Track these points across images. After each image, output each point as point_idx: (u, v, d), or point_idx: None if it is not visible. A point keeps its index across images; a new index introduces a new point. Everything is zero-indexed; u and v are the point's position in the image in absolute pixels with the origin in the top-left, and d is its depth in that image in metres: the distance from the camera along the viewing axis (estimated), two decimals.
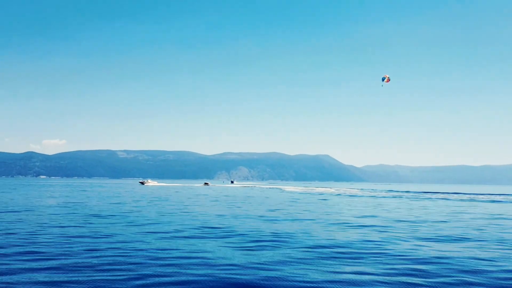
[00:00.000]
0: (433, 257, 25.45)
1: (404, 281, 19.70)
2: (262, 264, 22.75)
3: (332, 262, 23.47)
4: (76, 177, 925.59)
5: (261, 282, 19.19)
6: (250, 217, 48.21)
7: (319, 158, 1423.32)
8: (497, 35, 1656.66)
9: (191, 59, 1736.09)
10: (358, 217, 51.27)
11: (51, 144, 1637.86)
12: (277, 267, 21.96)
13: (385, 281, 19.66)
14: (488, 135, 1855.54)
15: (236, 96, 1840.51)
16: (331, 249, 27.57)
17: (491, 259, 25.19)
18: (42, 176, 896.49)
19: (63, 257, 23.79)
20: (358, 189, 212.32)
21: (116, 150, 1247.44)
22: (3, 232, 33.17)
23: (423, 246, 29.64)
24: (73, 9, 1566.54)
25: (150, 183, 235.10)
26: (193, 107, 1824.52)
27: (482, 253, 27.19)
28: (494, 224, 45.21)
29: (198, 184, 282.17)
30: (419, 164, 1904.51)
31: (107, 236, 31.95)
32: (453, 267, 22.77)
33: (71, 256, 24.27)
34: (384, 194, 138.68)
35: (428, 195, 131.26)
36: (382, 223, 44.00)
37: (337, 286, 18.69)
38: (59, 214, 49.09)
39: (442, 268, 22.37)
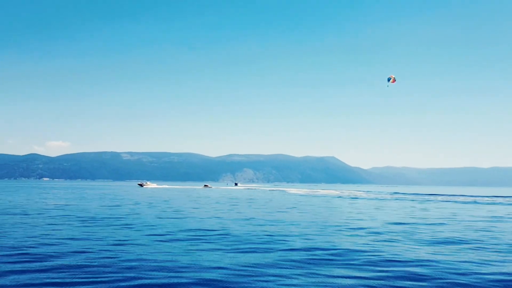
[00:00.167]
0: (417, 260, 25.55)
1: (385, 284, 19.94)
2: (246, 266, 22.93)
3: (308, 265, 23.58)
4: (79, 179, 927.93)
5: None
6: (239, 220, 48.37)
7: (325, 160, 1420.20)
8: (506, 34, 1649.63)
9: (195, 59, 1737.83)
10: (355, 219, 51.31)
11: (55, 146, 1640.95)
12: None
13: (368, 284, 19.83)
14: (497, 136, 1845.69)
15: (241, 97, 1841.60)
16: (307, 252, 27.74)
17: (479, 262, 25.25)
18: (45, 179, 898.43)
19: (51, 259, 24.03)
20: (363, 191, 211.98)
21: (120, 152, 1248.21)
22: None
23: (412, 248, 29.75)
24: (75, 9, 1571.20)
25: (149, 185, 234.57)
26: (198, 108, 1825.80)
27: (470, 256, 27.22)
28: (491, 227, 45.15)
29: (198, 186, 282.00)
30: (426, 166, 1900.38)
31: (99, 239, 32.18)
32: (438, 270, 22.86)
33: (58, 258, 24.50)
34: (389, 196, 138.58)
35: (433, 197, 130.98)
36: (377, 226, 44.07)
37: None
38: (52, 216, 49.44)
39: (425, 271, 22.47)
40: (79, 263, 23.01)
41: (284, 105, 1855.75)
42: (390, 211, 68.74)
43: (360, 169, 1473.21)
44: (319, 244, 30.57)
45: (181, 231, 37.39)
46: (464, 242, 33.25)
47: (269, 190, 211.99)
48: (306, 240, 32.54)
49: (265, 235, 35.14)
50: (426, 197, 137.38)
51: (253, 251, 27.81)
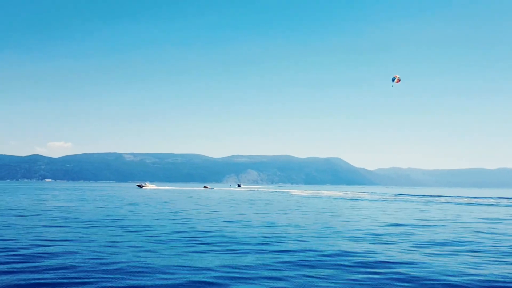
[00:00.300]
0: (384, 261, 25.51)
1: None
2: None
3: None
4: (82, 181, 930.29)
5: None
6: (234, 222, 48.39)
7: (330, 161, 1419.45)
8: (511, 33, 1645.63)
9: (198, 60, 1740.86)
10: (354, 221, 51.25)
11: (57, 147, 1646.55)
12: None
13: (356, 285, 19.84)
14: (504, 137, 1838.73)
15: (245, 98, 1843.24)
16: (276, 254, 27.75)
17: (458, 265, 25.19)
18: (47, 180, 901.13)
19: (40, 260, 24.07)
20: (367, 192, 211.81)
21: (123, 153, 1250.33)
22: None
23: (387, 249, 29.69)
24: (77, 10, 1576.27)
25: (149, 186, 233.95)
26: (201, 109, 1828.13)
27: (463, 258, 27.16)
28: (490, 230, 44.98)
29: (198, 187, 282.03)
30: (432, 167, 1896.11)
31: (90, 241, 32.25)
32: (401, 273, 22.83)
33: (47, 259, 24.53)
34: (393, 198, 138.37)
35: (437, 199, 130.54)
36: (376, 227, 43.99)
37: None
38: (47, 217, 49.59)
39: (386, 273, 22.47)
40: (69, 264, 23.01)
41: (288, 105, 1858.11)
42: (392, 212, 68.59)
43: (365, 170, 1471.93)
44: (312, 246, 30.52)
45: (174, 232, 37.43)
46: (460, 244, 33.12)
47: (271, 191, 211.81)
48: (300, 242, 32.47)
49: (260, 236, 35.13)
50: (430, 198, 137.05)
51: (247, 252, 27.79)
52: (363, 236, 36.93)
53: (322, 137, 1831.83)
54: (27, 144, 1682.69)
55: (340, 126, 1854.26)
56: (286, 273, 21.77)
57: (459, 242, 34.07)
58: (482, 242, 33.94)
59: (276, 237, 35.15)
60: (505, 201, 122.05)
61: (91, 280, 19.80)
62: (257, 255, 26.73)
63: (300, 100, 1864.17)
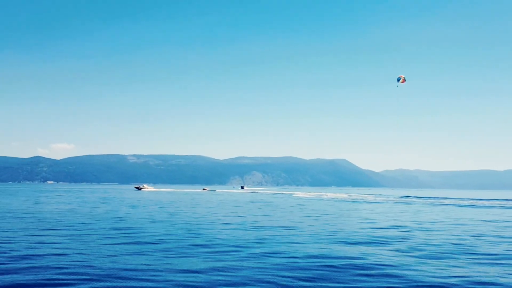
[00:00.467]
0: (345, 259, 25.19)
1: None
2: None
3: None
4: (84, 183, 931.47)
5: None
6: (223, 224, 48.23)
7: (336, 162, 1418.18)
8: None
9: (202, 60, 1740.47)
10: (352, 223, 51.13)
11: (59, 148, 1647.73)
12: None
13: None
14: None
15: (249, 99, 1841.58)
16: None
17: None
18: (49, 182, 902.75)
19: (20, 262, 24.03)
20: (372, 194, 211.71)
21: (126, 155, 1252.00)
22: None
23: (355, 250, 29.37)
24: (79, 10, 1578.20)
25: (147, 188, 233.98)
26: (205, 110, 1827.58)
27: (455, 262, 26.86)
28: (490, 233, 44.60)
29: (197, 189, 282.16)
30: (440, 168, 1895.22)
31: (76, 242, 32.14)
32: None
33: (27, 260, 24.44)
34: (397, 199, 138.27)
35: (442, 201, 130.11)
36: (370, 229, 43.78)
37: None
38: (38, 219, 49.56)
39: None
40: (50, 265, 22.98)
41: (293, 106, 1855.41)
42: (392, 214, 68.44)
43: (372, 172, 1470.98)
44: (285, 250, 30.35)
45: (160, 235, 37.35)
46: (454, 247, 32.89)
47: (273, 193, 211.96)
48: (285, 245, 32.34)
49: (244, 239, 34.91)
50: (436, 200, 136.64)
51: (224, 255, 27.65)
52: (354, 238, 36.69)
53: (328, 138, 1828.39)
54: (29, 146, 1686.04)
55: (345, 127, 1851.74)
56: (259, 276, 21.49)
57: (452, 245, 33.81)
58: (478, 246, 33.62)
59: (261, 240, 34.95)
60: (511, 203, 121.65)
61: (63, 282, 19.95)
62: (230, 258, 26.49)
63: (305, 101, 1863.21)
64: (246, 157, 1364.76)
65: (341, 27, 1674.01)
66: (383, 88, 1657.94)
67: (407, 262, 26.06)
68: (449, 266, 25.29)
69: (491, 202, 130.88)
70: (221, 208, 79.70)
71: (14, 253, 27.02)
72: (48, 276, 20.93)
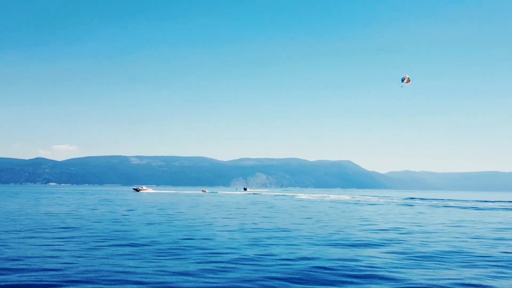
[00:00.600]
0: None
1: None
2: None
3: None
4: (87, 184, 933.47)
5: None
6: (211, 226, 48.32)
7: (341, 164, 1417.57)
8: None
9: (205, 60, 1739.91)
10: (347, 226, 51.14)
11: (61, 150, 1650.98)
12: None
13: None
14: None
15: (253, 100, 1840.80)
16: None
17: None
18: (51, 183, 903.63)
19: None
20: (376, 196, 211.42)
21: (129, 156, 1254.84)
22: None
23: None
24: (81, 10, 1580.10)
25: (146, 190, 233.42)
26: (209, 111, 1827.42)
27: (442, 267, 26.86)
28: (488, 235, 44.54)
29: (196, 191, 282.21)
30: (447, 170, 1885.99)
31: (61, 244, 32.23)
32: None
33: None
34: (401, 201, 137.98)
35: (447, 203, 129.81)
36: (363, 232, 43.81)
37: None
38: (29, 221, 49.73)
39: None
40: (36, 267, 23.11)
41: (297, 107, 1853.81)
42: (393, 216, 68.44)
43: (377, 173, 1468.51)
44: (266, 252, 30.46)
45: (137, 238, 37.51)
46: (450, 249, 32.87)
47: (275, 195, 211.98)
48: (261, 248, 32.33)
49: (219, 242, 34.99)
50: (439, 202, 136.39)
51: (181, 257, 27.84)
52: (341, 242, 36.74)
53: (332, 139, 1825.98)
54: (30, 147, 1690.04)
55: (350, 128, 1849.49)
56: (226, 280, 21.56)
57: (448, 247, 33.80)
58: (474, 248, 33.60)
59: (239, 242, 35.05)
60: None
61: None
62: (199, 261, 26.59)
63: (309, 101, 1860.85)
64: (250, 159, 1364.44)
65: (344, 27, 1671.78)
66: (388, 88, 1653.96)
67: (400, 265, 26.08)
68: (441, 268, 25.33)
69: (496, 204, 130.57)
70: (218, 210, 79.80)
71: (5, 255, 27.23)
72: (33, 278, 21.08)
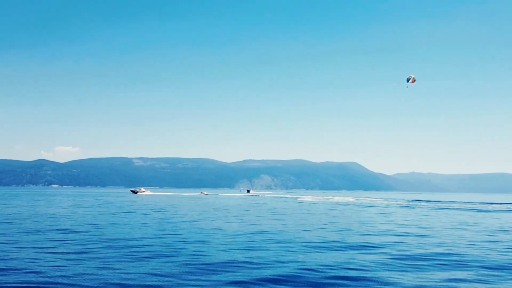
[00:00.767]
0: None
1: None
2: None
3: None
4: (89, 186, 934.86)
5: None
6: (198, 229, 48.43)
7: (347, 165, 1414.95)
8: None
9: (210, 61, 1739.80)
10: (341, 230, 51.16)
11: (64, 151, 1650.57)
12: None
13: None
14: None
15: (257, 101, 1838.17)
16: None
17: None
18: (53, 185, 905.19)
19: None
20: (381, 198, 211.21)
21: (132, 158, 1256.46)
22: None
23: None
24: (83, 10, 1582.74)
25: (144, 192, 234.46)
26: (213, 112, 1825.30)
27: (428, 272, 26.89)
28: (486, 239, 44.52)
29: (195, 193, 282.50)
30: (454, 172, 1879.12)
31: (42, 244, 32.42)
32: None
33: None
34: (405, 203, 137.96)
35: (452, 205, 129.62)
36: (354, 235, 43.93)
37: None
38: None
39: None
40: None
41: (302, 108, 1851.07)
42: (394, 218, 68.43)
43: (384, 175, 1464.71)
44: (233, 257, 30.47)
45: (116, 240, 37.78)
46: (443, 250, 32.92)
47: (279, 197, 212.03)
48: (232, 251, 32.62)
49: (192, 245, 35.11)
50: (443, 204, 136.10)
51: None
52: (327, 245, 36.85)
53: (338, 141, 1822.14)
54: (32, 149, 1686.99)
55: (356, 129, 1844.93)
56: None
57: (440, 250, 33.86)
58: (468, 252, 33.57)
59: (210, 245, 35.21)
60: None
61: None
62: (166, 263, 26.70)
63: (314, 102, 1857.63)
64: (255, 160, 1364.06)
65: (350, 26, 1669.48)
66: (395, 89, 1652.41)
67: (391, 267, 26.20)
68: (429, 271, 25.44)
69: (501, 206, 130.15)
70: (204, 212, 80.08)
71: None
72: (13, 279, 21.28)
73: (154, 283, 21.43)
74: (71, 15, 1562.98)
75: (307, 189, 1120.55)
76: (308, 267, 25.72)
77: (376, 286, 21.53)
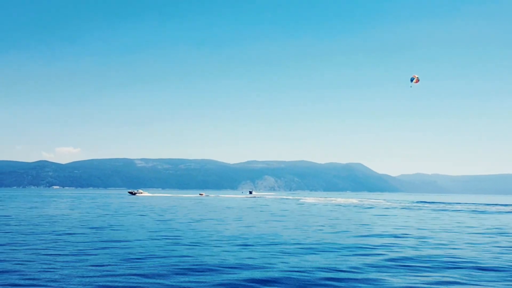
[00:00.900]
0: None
1: None
2: None
3: None
4: (91, 188, 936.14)
5: None
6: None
7: (351, 166, 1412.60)
8: None
9: (212, 61, 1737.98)
10: (333, 232, 51.22)
11: (65, 152, 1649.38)
12: None
13: None
14: None
15: (261, 101, 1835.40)
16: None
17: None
18: (55, 187, 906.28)
19: None
20: (384, 200, 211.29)
21: (134, 159, 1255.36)
22: None
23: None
24: (84, 10, 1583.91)
25: (142, 193, 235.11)
26: (216, 112, 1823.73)
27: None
28: (484, 241, 44.46)
29: (194, 195, 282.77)
30: (460, 173, 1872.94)
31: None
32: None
33: None
34: (408, 205, 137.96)
35: (455, 206, 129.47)
36: (345, 238, 43.93)
37: None
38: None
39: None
40: None
41: (306, 108, 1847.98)
42: (392, 221, 68.42)
43: (389, 176, 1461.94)
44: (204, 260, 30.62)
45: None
46: (436, 252, 32.96)
47: (280, 198, 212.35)
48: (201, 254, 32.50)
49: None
50: (447, 206, 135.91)
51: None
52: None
53: (342, 141, 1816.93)
54: (33, 150, 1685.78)
55: (360, 130, 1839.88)
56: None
57: (432, 251, 33.90)
58: (463, 255, 33.57)
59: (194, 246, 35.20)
60: None
61: None
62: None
63: (318, 102, 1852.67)
64: (258, 161, 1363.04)
65: (354, 25, 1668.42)
66: (400, 89, 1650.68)
67: (382, 269, 26.24)
68: (420, 272, 25.50)
69: (506, 208, 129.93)
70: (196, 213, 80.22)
71: None
72: None
73: (141, 285, 21.50)
74: (72, 15, 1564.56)
75: (311, 190, 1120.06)
76: (300, 269, 25.80)
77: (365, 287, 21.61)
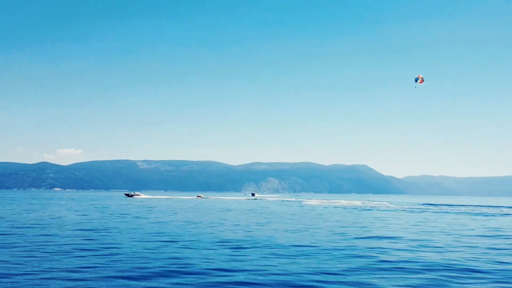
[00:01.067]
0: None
1: None
2: None
3: None
4: (92, 189, 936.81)
5: None
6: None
7: (356, 168, 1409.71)
8: None
9: (215, 62, 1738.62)
10: (327, 235, 51.06)
11: (66, 154, 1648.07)
12: None
13: None
14: None
15: (264, 102, 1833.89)
16: None
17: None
18: (56, 189, 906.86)
19: None
20: (388, 202, 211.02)
21: (136, 160, 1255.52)
22: None
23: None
24: (85, 10, 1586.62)
25: (139, 195, 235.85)
26: (218, 114, 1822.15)
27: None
28: (482, 244, 44.31)
29: (191, 196, 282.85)
30: (466, 174, 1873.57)
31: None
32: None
33: None
34: (412, 207, 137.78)
35: (459, 209, 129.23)
36: (342, 239, 43.84)
37: None
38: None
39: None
40: None
41: (311, 110, 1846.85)
42: (392, 223, 68.27)
43: (394, 178, 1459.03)
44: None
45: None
46: (428, 254, 32.85)
47: (282, 200, 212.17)
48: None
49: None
50: (452, 208, 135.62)
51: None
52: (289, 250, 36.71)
53: (347, 143, 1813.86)
54: (34, 151, 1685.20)
55: (365, 131, 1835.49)
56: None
57: (425, 254, 33.82)
58: (453, 259, 33.41)
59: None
60: None
61: None
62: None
63: (323, 104, 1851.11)
64: (262, 163, 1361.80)
65: (357, 27, 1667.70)
66: (405, 90, 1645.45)
67: (369, 272, 26.16)
68: (407, 275, 25.43)
69: (510, 210, 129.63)
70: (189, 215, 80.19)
71: None
72: None
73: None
74: (73, 15, 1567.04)
75: (315, 192, 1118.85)
76: (288, 272, 25.74)
77: None
